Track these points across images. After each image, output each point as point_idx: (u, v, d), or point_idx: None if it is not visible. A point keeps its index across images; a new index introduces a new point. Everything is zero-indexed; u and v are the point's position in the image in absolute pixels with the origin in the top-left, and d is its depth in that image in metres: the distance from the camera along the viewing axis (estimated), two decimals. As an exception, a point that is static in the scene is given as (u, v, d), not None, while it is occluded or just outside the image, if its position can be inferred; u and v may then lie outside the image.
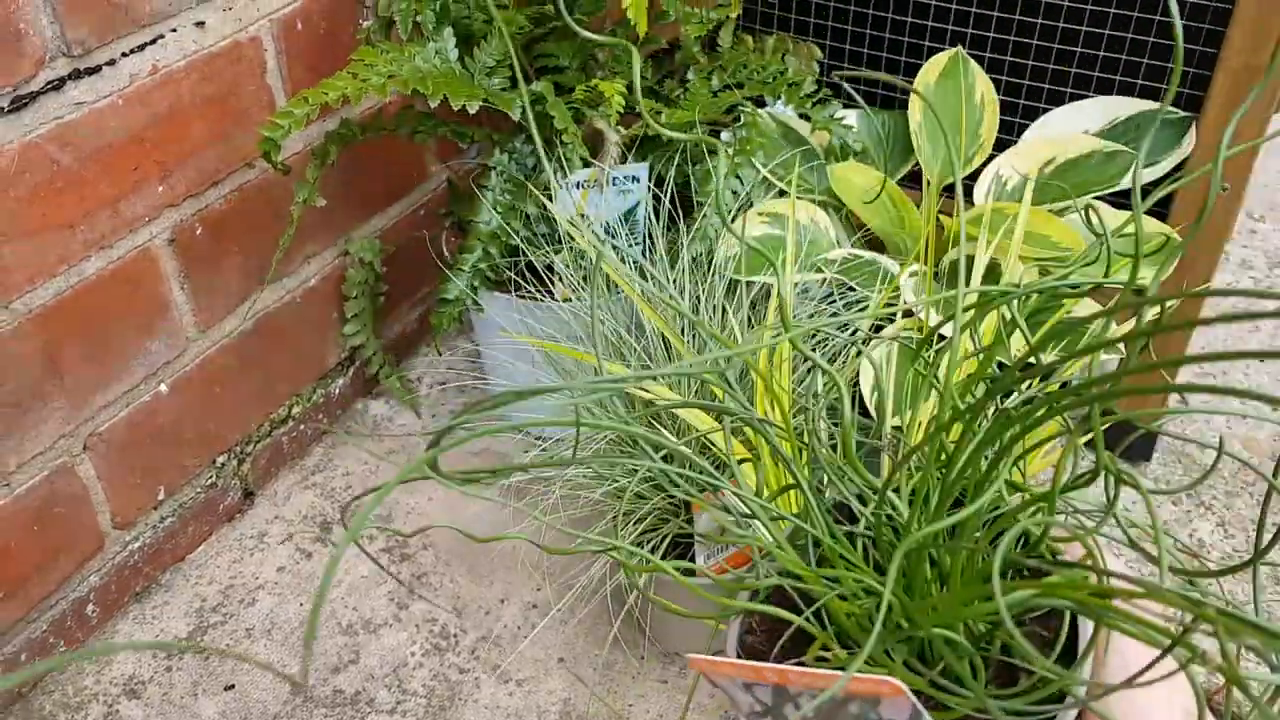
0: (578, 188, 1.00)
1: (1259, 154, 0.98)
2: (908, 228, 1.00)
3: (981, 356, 0.47)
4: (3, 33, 0.80)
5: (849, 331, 0.89)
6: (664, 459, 0.80)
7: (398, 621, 1.03)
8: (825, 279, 0.95)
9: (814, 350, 0.93)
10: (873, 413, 0.92)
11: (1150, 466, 1.14)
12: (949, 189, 1.04)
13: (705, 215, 1.00)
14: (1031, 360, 0.44)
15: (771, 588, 0.49)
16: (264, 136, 0.89)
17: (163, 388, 1.03)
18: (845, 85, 1.09)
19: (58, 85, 0.85)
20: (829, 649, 0.47)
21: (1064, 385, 0.79)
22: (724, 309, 0.92)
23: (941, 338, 0.78)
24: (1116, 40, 0.99)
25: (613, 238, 1.03)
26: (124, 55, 0.89)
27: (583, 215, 1.02)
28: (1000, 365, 0.54)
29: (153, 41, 0.91)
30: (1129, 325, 0.89)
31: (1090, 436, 0.40)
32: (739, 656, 0.48)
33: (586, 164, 1.00)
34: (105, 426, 0.98)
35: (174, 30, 0.92)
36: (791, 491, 0.51)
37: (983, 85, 1.04)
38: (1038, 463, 0.83)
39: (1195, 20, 0.95)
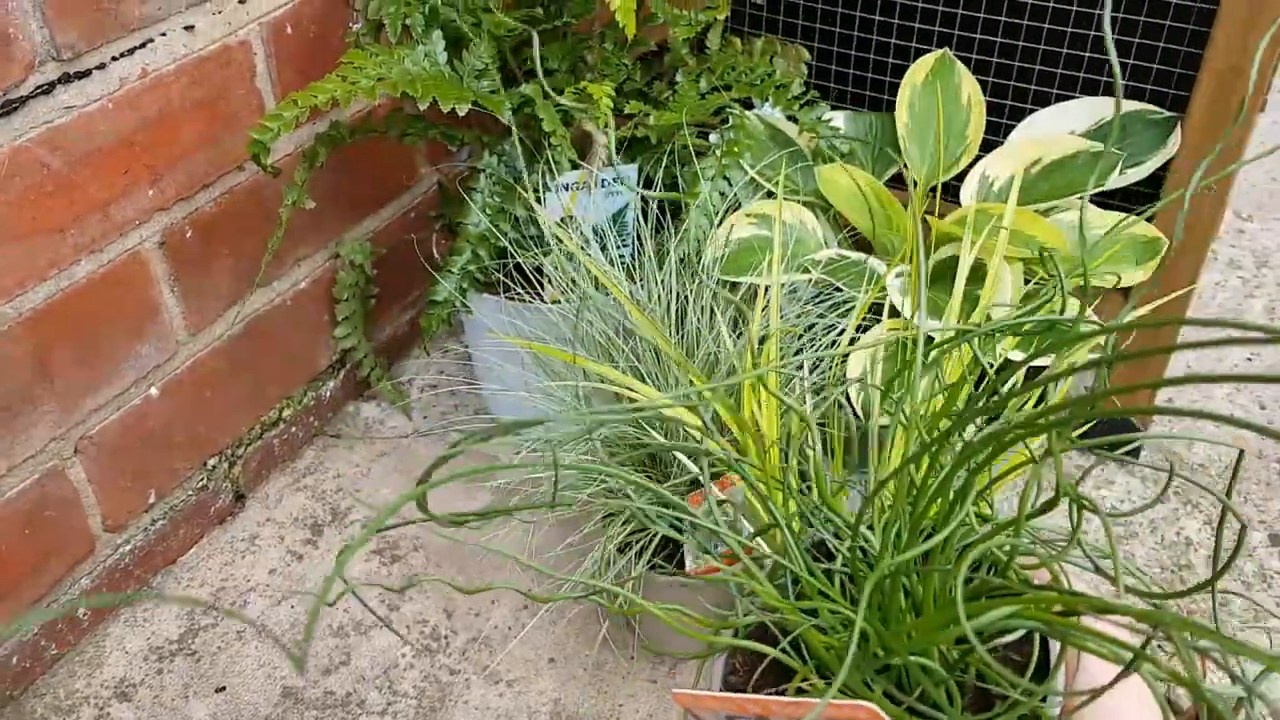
0: (566, 190, 1.01)
1: (1245, 153, 0.99)
2: (894, 228, 1.01)
3: (945, 395, 0.48)
4: (-9, 37, 0.80)
5: (836, 332, 0.89)
6: (647, 492, 0.80)
7: (389, 623, 1.04)
8: (812, 279, 0.96)
9: (799, 352, 0.93)
10: (859, 413, 0.92)
11: (1137, 466, 1.15)
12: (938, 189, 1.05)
13: (693, 216, 1.00)
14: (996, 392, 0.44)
15: (754, 623, 0.50)
16: (253, 139, 0.90)
17: (153, 391, 1.03)
18: (833, 86, 1.10)
19: (47, 89, 0.85)
20: (809, 681, 0.48)
21: (1040, 402, 0.80)
22: (711, 310, 0.92)
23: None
24: (1101, 41, 1.00)
25: (601, 239, 1.03)
26: (114, 59, 0.89)
27: (571, 217, 1.02)
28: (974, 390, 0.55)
29: (142, 45, 0.91)
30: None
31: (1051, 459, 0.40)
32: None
33: (575, 166, 1.00)
34: (96, 430, 0.99)
35: (163, 34, 0.93)
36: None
37: (969, 86, 1.04)
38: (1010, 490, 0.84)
39: (1180, 21, 0.96)
